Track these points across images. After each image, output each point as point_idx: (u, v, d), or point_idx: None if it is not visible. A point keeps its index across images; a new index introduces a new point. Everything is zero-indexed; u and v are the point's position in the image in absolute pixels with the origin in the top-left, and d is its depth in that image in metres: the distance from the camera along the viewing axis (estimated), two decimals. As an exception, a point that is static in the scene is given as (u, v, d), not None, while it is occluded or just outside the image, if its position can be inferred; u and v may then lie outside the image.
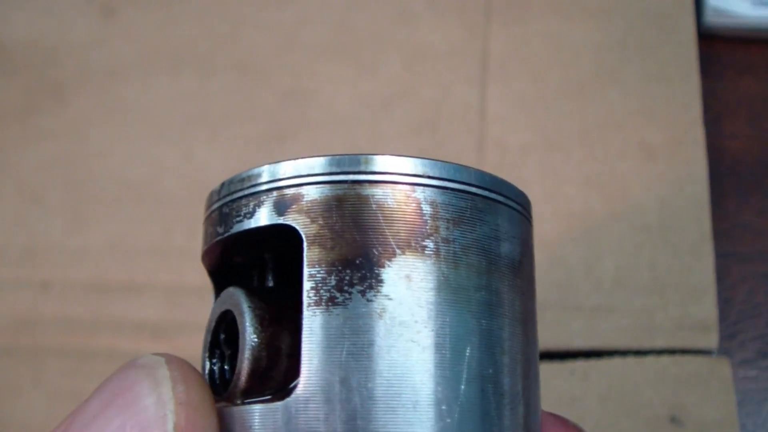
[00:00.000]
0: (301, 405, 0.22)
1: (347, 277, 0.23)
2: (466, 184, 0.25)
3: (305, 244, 0.23)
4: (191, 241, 0.61)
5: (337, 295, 0.23)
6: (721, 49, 0.64)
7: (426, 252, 0.23)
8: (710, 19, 0.63)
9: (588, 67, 0.62)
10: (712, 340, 0.53)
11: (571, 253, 0.56)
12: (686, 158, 0.58)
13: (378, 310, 0.23)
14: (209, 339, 0.26)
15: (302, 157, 0.24)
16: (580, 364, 0.53)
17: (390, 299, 0.23)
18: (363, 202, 0.23)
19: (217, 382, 0.26)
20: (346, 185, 0.24)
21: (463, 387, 0.23)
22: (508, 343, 0.24)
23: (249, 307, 0.24)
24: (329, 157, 0.24)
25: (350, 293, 0.23)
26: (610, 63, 0.62)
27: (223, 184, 0.26)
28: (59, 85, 0.67)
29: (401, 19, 0.65)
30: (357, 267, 0.23)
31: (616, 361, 0.53)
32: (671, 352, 0.53)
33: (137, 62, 0.67)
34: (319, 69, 0.65)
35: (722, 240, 0.57)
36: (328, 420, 0.22)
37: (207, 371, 0.26)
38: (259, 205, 0.24)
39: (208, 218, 0.26)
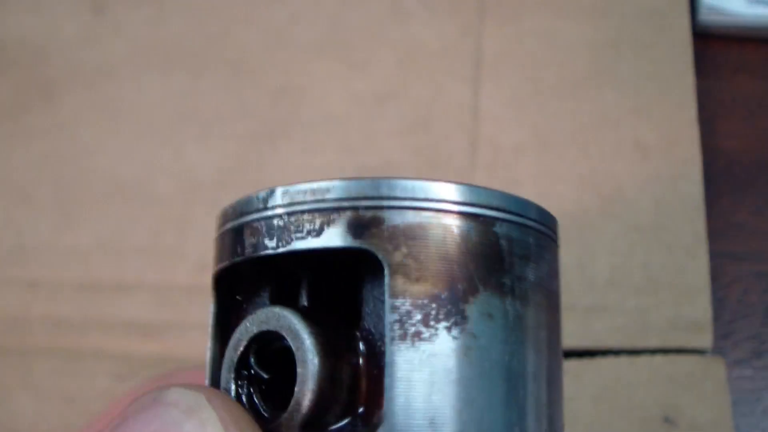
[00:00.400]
0: None
1: (433, 312, 0.22)
2: (531, 219, 0.24)
3: (387, 272, 0.22)
4: (182, 240, 0.60)
5: (423, 330, 0.22)
6: (716, 47, 0.64)
7: (504, 289, 0.23)
8: (705, 17, 0.63)
9: (582, 66, 0.62)
10: (706, 340, 0.53)
11: (564, 252, 0.56)
12: (681, 157, 0.58)
13: (464, 348, 0.22)
14: (236, 360, 0.24)
15: (381, 178, 0.23)
16: (573, 364, 0.53)
17: (475, 337, 0.22)
18: (448, 233, 0.23)
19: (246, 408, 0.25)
20: (430, 213, 0.23)
21: (534, 424, 0.23)
22: (559, 380, 0.25)
23: (310, 333, 0.23)
24: (414, 182, 0.23)
25: (436, 329, 0.22)
26: (604, 61, 0.62)
27: (273, 192, 0.24)
28: (48, 83, 0.67)
29: (394, 17, 0.64)
30: (442, 302, 0.22)
31: (609, 361, 0.52)
32: (665, 351, 0.53)
33: (127, 60, 0.67)
34: (311, 67, 0.65)
35: (717, 239, 0.57)
36: None
37: (233, 395, 0.25)
38: (328, 223, 0.23)
39: (246, 227, 0.24)
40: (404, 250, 0.22)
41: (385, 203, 0.22)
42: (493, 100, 0.62)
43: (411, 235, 0.22)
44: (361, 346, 0.23)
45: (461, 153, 0.60)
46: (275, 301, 0.25)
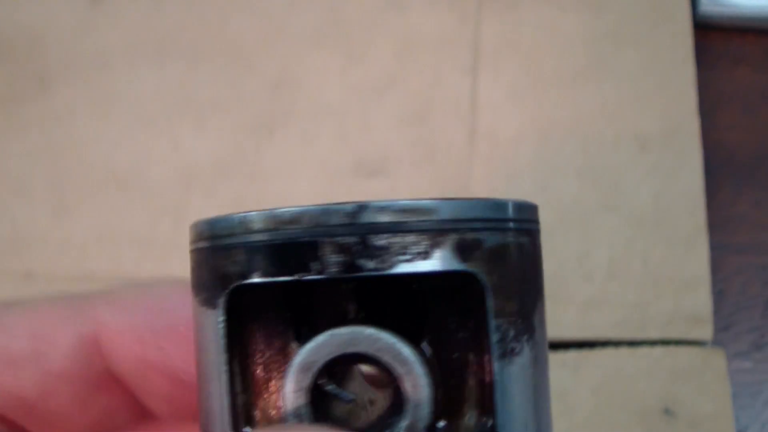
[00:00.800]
0: None
1: (520, 327, 0.23)
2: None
3: (490, 293, 0.22)
4: (178, 230, 0.60)
5: (516, 345, 0.23)
6: (717, 39, 0.63)
7: (543, 294, 0.24)
8: (705, 8, 0.62)
9: (582, 57, 0.61)
10: (706, 332, 0.52)
11: (563, 244, 0.56)
12: (681, 149, 0.58)
13: (534, 358, 0.23)
14: (310, 383, 0.23)
15: (475, 199, 0.23)
16: (572, 356, 0.52)
17: (537, 345, 0.23)
18: (521, 249, 0.23)
19: None
20: (510, 232, 0.23)
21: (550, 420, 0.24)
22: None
23: (417, 356, 0.23)
24: (508, 202, 0.23)
25: (522, 343, 0.23)
26: (604, 52, 0.61)
27: (366, 207, 0.22)
28: (44, 73, 0.66)
29: (391, 7, 0.64)
30: (523, 316, 0.23)
31: (608, 353, 0.52)
32: (665, 343, 0.52)
33: (123, 50, 0.66)
34: (307, 57, 0.64)
35: (717, 231, 0.56)
36: None
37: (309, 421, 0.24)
38: (436, 245, 0.22)
39: (326, 243, 0.22)
40: (500, 270, 0.23)
41: (481, 225, 0.23)
42: (492, 91, 0.61)
43: (500, 255, 0.23)
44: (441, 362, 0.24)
45: (459, 144, 0.60)
46: (328, 319, 0.24)
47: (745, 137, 0.60)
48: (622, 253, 0.55)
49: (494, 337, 0.22)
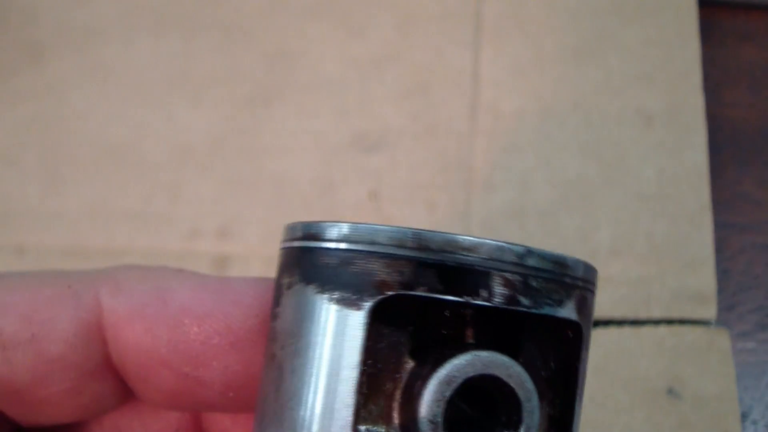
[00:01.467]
0: None
1: (585, 376, 0.27)
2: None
3: (585, 345, 0.26)
4: (172, 205, 0.59)
5: (583, 391, 0.27)
6: (722, 15, 0.62)
7: None
8: (711, -17, 0.61)
9: (585, 31, 0.60)
10: (710, 311, 0.52)
11: (566, 221, 0.55)
12: (685, 126, 0.57)
13: None
14: (449, 395, 0.25)
15: (585, 263, 0.26)
16: (575, 334, 0.52)
17: None
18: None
19: None
20: (593, 296, 0.27)
21: None
22: None
23: (536, 389, 0.25)
24: (595, 269, 0.27)
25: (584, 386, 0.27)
26: (608, 27, 0.60)
27: (531, 252, 0.25)
28: (37, 44, 0.65)
29: (393, -21, 0.63)
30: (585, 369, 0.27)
31: (612, 331, 0.51)
32: (669, 322, 0.51)
33: (118, 21, 0.65)
34: (306, 30, 0.63)
35: (721, 210, 0.56)
36: None
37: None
38: (568, 297, 0.26)
39: (497, 275, 0.25)
40: (587, 325, 0.26)
41: (587, 285, 0.26)
42: (494, 66, 0.60)
43: (588, 312, 0.26)
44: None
45: (461, 119, 0.59)
46: (449, 342, 0.27)
47: (749, 115, 0.59)
48: (626, 230, 0.54)
49: (580, 381, 0.26)
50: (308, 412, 0.24)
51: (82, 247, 0.58)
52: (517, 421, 0.25)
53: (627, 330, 0.51)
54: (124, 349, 0.27)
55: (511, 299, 0.25)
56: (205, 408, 0.30)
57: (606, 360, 0.51)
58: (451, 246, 0.24)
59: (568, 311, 0.25)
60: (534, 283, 0.25)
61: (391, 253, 0.24)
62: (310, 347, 0.25)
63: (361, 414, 0.25)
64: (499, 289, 0.25)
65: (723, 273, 0.54)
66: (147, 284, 0.28)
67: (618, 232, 0.54)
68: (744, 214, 0.56)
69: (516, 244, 0.25)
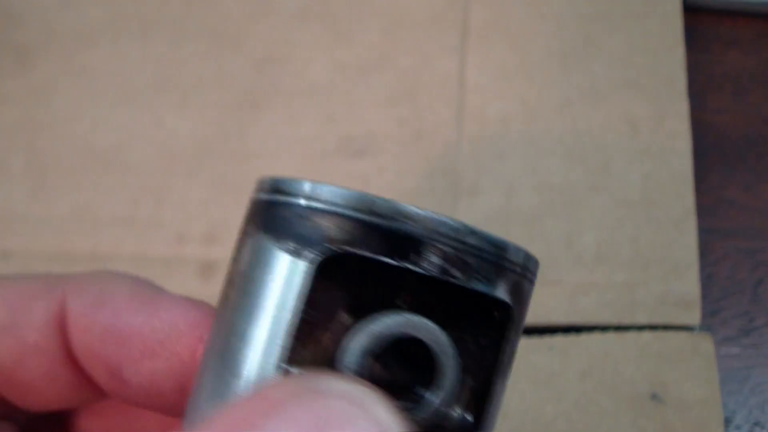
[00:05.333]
0: None
1: (513, 358, 0.29)
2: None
3: (513, 326, 0.28)
4: (160, 210, 0.59)
5: (509, 370, 0.28)
6: (707, 22, 0.63)
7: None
8: (696, -10, 0.62)
9: (571, 38, 0.60)
10: (694, 317, 0.52)
11: (551, 227, 0.55)
12: (670, 132, 0.57)
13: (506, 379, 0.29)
14: (376, 349, 0.27)
15: (525, 251, 0.28)
16: (559, 340, 0.52)
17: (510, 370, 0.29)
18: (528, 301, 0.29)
19: None
20: (532, 286, 0.29)
21: None
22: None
23: (458, 358, 0.27)
24: (536, 259, 0.29)
25: (511, 367, 0.29)
26: (593, 34, 0.60)
27: (473, 232, 0.27)
28: (24, 48, 0.65)
29: (380, -15, 0.63)
30: (515, 352, 0.29)
31: (596, 337, 0.52)
32: (653, 328, 0.52)
33: (106, 26, 0.65)
34: (294, 35, 0.63)
35: (706, 215, 0.56)
36: None
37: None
38: (503, 279, 0.27)
39: (433, 246, 0.27)
40: (519, 310, 0.28)
41: (525, 273, 0.28)
42: (480, 71, 0.60)
43: (522, 298, 0.28)
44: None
45: (447, 124, 0.59)
46: (383, 303, 0.28)
47: (734, 121, 0.60)
48: (611, 235, 0.54)
49: (504, 359, 0.28)
50: (247, 349, 0.26)
51: (68, 252, 0.58)
52: (434, 385, 0.27)
53: (611, 335, 0.51)
54: (74, 341, 0.31)
55: (444, 271, 0.26)
56: (149, 408, 0.32)
57: (590, 365, 0.51)
58: (397, 213, 0.26)
59: (500, 292, 0.27)
60: (470, 260, 0.27)
61: (342, 213, 0.26)
62: (259, 289, 0.27)
63: (294, 357, 0.26)
64: (435, 260, 0.26)
65: (707, 278, 0.55)
66: (96, 286, 0.31)
67: (603, 238, 0.54)
68: (728, 219, 0.57)
69: (459, 222, 0.27)
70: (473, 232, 0.27)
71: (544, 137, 0.58)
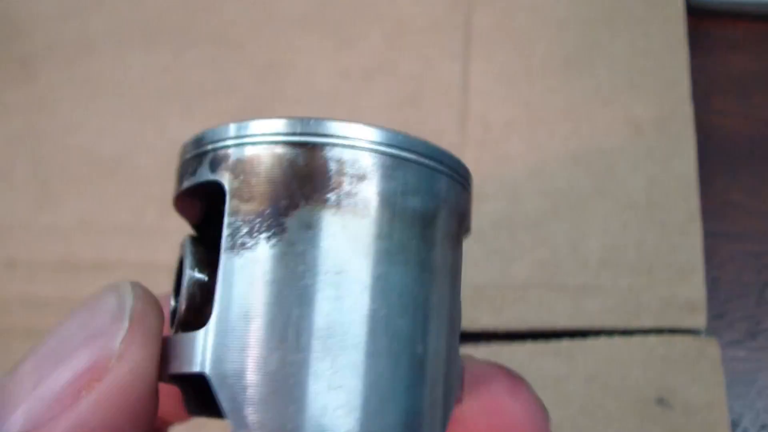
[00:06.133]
0: (211, 334, 0.26)
1: (257, 226, 0.26)
2: (375, 143, 0.27)
3: (228, 196, 0.26)
4: (164, 218, 0.59)
5: (248, 241, 0.26)
6: (710, 24, 0.63)
7: (327, 204, 0.26)
8: (699, -7, 0.62)
9: (574, 41, 0.60)
10: (700, 320, 0.52)
11: (556, 231, 0.55)
12: (674, 135, 0.57)
13: (280, 254, 0.26)
14: (174, 280, 0.30)
15: (234, 122, 0.27)
16: (565, 344, 0.52)
17: (292, 245, 0.26)
18: (276, 160, 0.26)
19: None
20: (264, 146, 0.27)
21: (359, 326, 0.26)
22: (407, 288, 0.27)
23: (191, 251, 0.29)
24: (253, 121, 0.27)
25: (257, 240, 0.26)
26: (596, 37, 0.60)
27: (186, 144, 0.29)
28: (27, 58, 0.65)
29: (382, -9, 0.63)
30: (265, 217, 0.26)
31: (602, 341, 0.51)
32: (658, 331, 0.52)
33: (109, 35, 0.65)
34: (297, 42, 0.63)
35: (710, 219, 0.56)
36: (229, 347, 0.25)
37: (171, 309, 0.31)
38: (200, 164, 0.28)
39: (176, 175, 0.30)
40: (241, 177, 0.26)
41: (231, 142, 0.27)
42: (483, 76, 0.60)
43: (248, 165, 0.26)
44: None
45: (451, 129, 0.59)
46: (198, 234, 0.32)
47: (738, 123, 0.60)
48: (616, 239, 0.54)
49: (225, 233, 0.26)
50: None
51: (73, 261, 0.58)
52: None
53: (617, 340, 0.51)
54: None
55: (174, 188, 0.30)
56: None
57: (596, 370, 0.51)
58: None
59: (200, 175, 0.28)
60: (183, 166, 0.29)
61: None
62: None
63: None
64: (182, 176, 0.29)
65: (712, 282, 0.55)
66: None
67: (608, 242, 0.54)
68: (733, 222, 0.57)
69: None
70: (186, 144, 0.29)
71: (548, 142, 0.57)
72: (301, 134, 0.26)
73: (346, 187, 0.26)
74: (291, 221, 0.26)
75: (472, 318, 0.52)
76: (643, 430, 0.49)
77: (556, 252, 0.54)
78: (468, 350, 0.52)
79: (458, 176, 0.29)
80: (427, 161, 0.28)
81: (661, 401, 0.50)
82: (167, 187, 0.60)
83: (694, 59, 0.59)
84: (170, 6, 0.65)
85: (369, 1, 0.63)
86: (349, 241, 0.26)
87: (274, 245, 0.26)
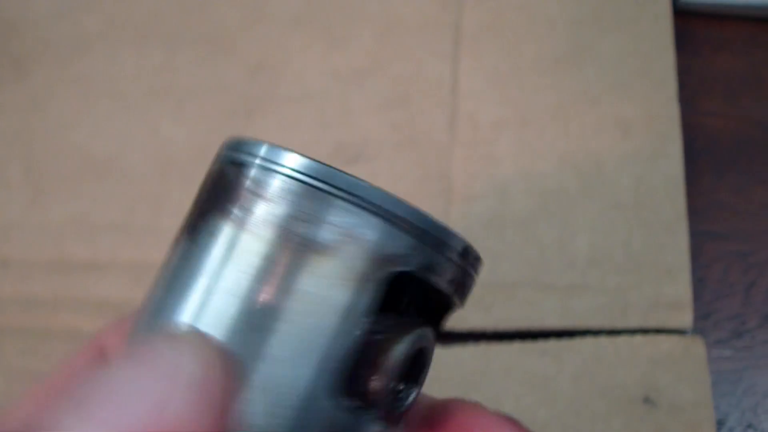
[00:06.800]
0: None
1: (183, 225, 0.30)
2: (290, 169, 0.28)
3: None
4: (156, 217, 0.59)
5: (178, 237, 0.30)
6: (697, 25, 0.63)
7: (228, 216, 0.28)
8: (687, -7, 0.62)
9: (563, 42, 0.61)
10: (686, 320, 0.52)
11: (544, 230, 0.56)
12: (661, 135, 0.58)
13: (185, 251, 0.28)
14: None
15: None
16: (552, 344, 0.52)
17: (196, 245, 0.28)
18: (213, 174, 0.30)
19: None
20: (219, 159, 0.31)
21: (194, 313, 0.28)
22: (270, 309, 0.27)
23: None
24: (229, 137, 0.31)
25: (180, 238, 0.29)
26: (585, 37, 0.61)
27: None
28: (19, 57, 0.65)
29: (372, -9, 0.63)
30: (189, 219, 0.30)
31: (588, 341, 0.52)
32: (645, 331, 0.52)
33: (101, 34, 0.65)
34: (288, 42, 0.63)
35: (697, 218, 0.56)
36: None
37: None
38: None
39: None
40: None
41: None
42: (473, 76, 0.61)
43: (206, 175, 0.31)
44: None
45: (440, 129, 0.59)
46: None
47: (725, 123, 0.60)
48: (603, 239, 0.55)
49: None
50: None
51: (66, 260, 0.59)
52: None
53: (604, 339, 0.52)
54: None
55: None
56: None
57: (583, 369, 0.51)
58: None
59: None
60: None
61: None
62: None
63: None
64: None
65: (699, 281, 0.55)
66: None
67: (595, 241, 0.55)
68: (720, 222, 0.57)
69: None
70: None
71: (537, 141, 0.58)
72: (238, 152, 0.29)
73: (245, 204, 0.28)
74: (201, 226, 0.29)
75: (461, 317, 0.53)
76: (629, 428, 0.50)
77: (544, 251, 0.55)
78: (456, 350, 0.53)
79: (401, 222, 0.30)
80: (346, 197, 0.29)
81: (647, 400, 0.50)
82: (160, 186, 0.60)
83: (681, 60, 0.60)
84: (163, 6, 0.65)
85: (360, 2, 0.64)
86: (235, 253, 0.28)
87: (185, 243, 0.29)
